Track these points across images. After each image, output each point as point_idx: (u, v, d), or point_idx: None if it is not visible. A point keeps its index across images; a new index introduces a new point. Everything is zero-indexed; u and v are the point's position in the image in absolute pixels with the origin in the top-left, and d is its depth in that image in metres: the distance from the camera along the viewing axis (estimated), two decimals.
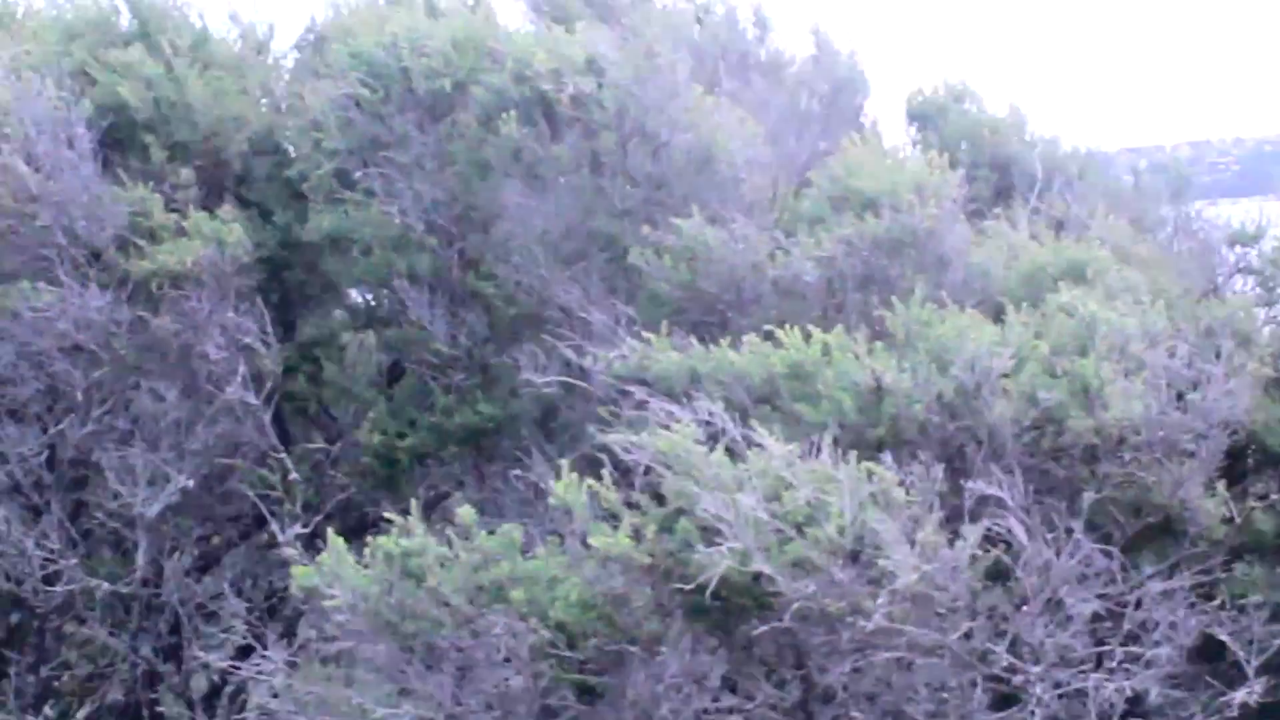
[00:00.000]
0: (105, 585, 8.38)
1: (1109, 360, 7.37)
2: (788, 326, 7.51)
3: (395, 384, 8.89)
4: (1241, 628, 7.38)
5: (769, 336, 7.47)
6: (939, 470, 6.97)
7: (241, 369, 8.43)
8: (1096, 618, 7.11)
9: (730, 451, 6.84)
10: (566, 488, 6.86)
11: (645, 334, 7.66)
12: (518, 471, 8.07)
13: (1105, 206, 9.35)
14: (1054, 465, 7.37)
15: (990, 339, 7.41)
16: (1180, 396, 7.53)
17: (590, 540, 6.72)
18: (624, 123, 8.60)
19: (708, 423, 6.96)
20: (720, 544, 6.53)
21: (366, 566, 6.87)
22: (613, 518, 6.79)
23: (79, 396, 8.35)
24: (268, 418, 8.50)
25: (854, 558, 6.66)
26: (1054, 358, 7.41)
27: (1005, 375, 7.32)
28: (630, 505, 6.84)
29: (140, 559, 8.41)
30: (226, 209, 8.77)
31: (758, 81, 9.62)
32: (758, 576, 6.62)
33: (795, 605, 6.56)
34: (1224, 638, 7.35)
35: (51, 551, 8.34)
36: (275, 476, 8.42)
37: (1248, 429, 7.93)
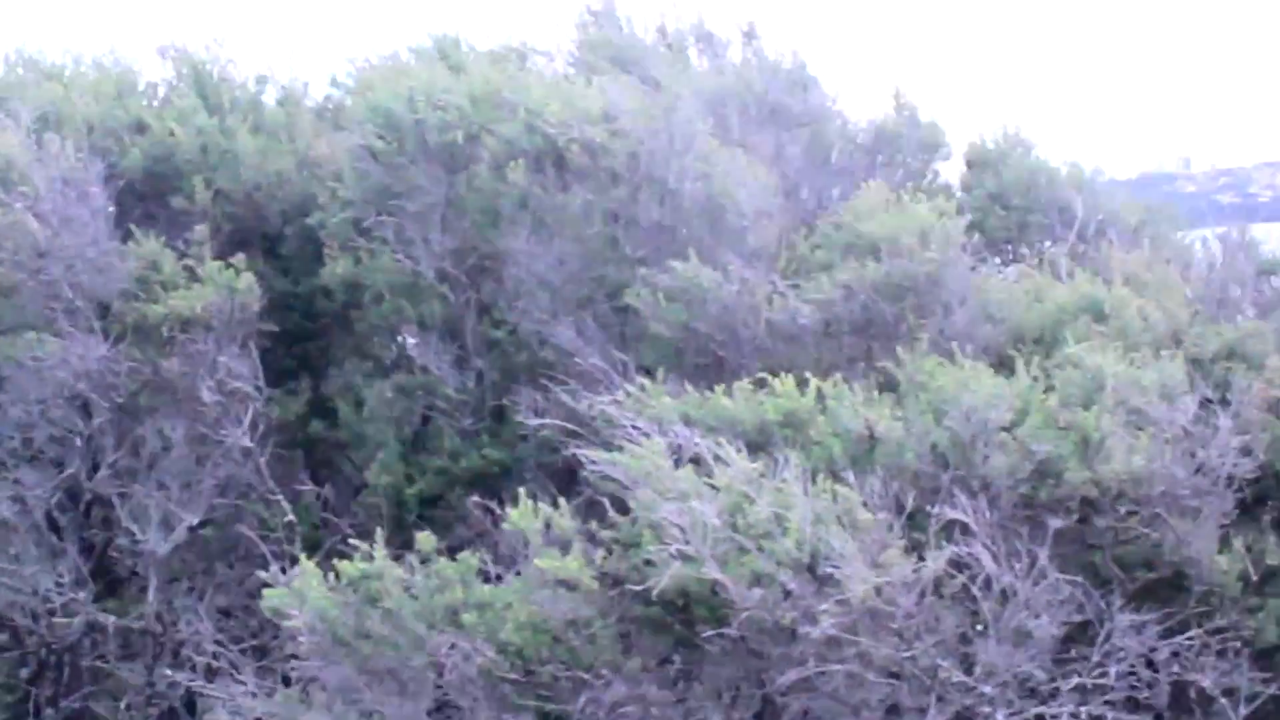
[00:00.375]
0: (114, 620, 8.56)
1: (1112, 413, 7.22)
2: (784, 372, 7.51)
3: (406, 428, 8.99)
4: (1223, 673, 7.16)
5: (762, 384, 7.46)
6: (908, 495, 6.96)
7: (240, 412, 8.61)
8: (1061, 645, 6.96)
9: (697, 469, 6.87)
10: (522, 515, 6.93)
11: (643, 379, 7.67)
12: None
13: (1152, 246, 9.29)
14: (1051, 517, 7.17)
15: (990, 390, 7.29)
16: (1191, 455, 7.32)
17: (538, 563, 6.77)
18: (635, 171, 8.70)
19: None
20: (671, 545, 6.56)
21: (333, 589, 7.00)
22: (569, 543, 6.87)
23: (78, 442, 8.60)
24: (264, 460, 8.66)
25: (810, 571, 6.64)
26: (1060, 409, 7.28)
27: (1005, 428, 7.19)
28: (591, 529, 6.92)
29: (151, 596, 8.59)
30: (239, 257, 8.92)
31: (781, 134, 9.66)
32: (715, 589, 6.63)
33: (747, 613, 6.57)
34: (1205, 684, 7.12)
35: (67, 588, 8.55)
36: (277, 518, 8.57)
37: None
